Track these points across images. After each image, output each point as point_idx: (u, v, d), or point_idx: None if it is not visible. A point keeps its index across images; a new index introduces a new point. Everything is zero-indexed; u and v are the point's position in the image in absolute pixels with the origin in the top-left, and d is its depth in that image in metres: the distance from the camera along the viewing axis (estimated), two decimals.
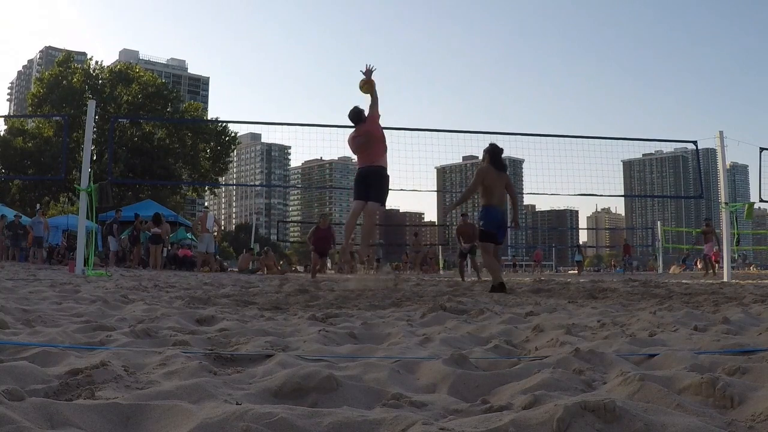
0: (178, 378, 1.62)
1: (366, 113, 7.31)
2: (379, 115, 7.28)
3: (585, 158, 11.79)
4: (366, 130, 7.26)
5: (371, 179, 7.22)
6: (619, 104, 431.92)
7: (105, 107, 38.12)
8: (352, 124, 7.45)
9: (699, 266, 18.85)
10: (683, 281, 10.27)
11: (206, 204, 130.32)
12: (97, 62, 43.89)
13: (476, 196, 7.33)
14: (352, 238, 8.29)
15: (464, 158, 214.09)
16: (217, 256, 21.02)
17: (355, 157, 7.65)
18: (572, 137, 12.24)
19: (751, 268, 27.25)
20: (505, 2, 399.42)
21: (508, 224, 7.02)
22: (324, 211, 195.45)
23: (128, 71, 43.19)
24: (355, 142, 7.33)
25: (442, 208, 8.63)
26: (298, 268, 36.68)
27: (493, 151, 6.82)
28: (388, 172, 7.38)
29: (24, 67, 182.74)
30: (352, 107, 7.42)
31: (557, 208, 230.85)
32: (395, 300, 4.84)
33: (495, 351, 2.14)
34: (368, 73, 7.14)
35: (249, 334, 2.57)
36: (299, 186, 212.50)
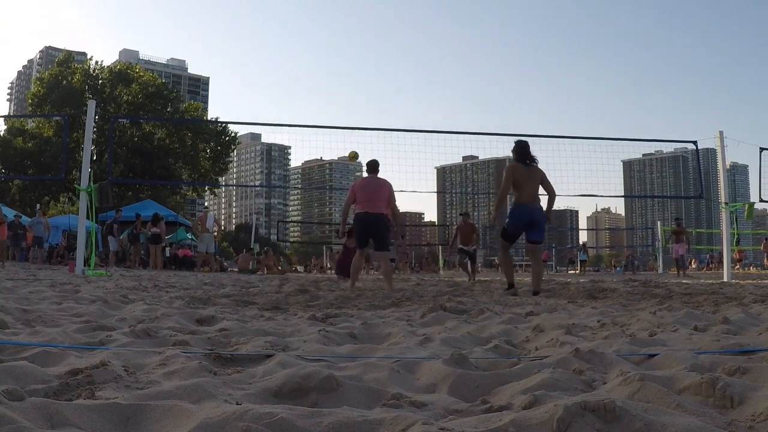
0: (178, 378, 1.62)
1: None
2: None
3: (585, 158, 11.80)
4: (383, 182, 7.46)
5: (376, 225, 7.28)
6: (619, 104, 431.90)
7: (105, 107, 38.15)
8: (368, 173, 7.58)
9: (693, 266, 18.95)
10: (683, 281, 10.28)
11: (206, 204, 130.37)
12: (97, 62, 43.92)
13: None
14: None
15: (464, 158, 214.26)
16: (217, 256, 21.03)
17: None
18: (572, 137, 12.29)
19: (752, 268, 27.25)
20: (505, 2, 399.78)
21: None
22: (324, 210, 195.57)
23: (128, 71, 43.20)
24: (369, 187, 7.39)
25: (493, 217, 7.84)
26: (298, 268, 36.72)
27: (519, 147, 6.50)
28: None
29: (24, 67, 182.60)
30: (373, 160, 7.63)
31: (557, 208, 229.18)
32: (395, 300, 4.84)
33: (495, 351, 2.14)
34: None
35: (249, 334, 2.57)
36: (299, 187, 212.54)
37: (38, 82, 42.74)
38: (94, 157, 35.02)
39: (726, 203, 11.15)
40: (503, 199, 6.39)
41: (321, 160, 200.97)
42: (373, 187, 7.38)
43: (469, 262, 12.71)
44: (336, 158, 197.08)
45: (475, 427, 1.13)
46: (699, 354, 1.94)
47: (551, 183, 6.43)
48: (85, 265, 9.56)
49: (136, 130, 40.69)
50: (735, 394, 1.32)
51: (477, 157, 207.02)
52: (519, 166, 6.35)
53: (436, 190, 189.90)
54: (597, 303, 4.65)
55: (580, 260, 28.18)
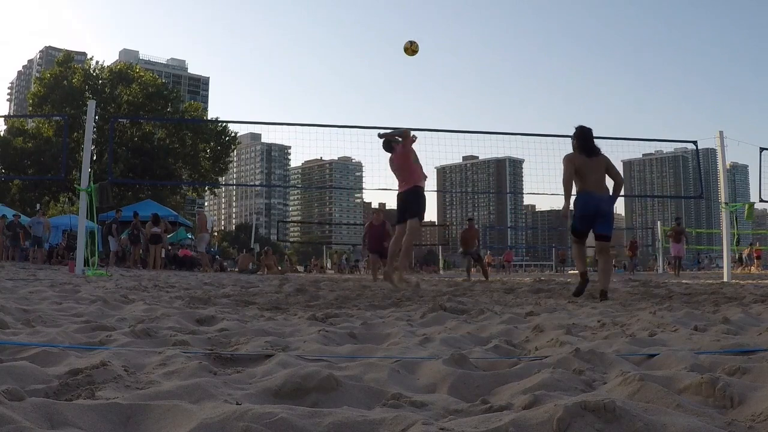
0: (178, 378, 1.62)
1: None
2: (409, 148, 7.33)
3: None
4: (398, 156, 7.38)
5: (409, 199, 7.29)
6: (619, 104, 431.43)
7: (105, 107, 38.14)
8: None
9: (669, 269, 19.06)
10: (683, 281, 10.27)
11: (206, 204, 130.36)
12: (97, 62, 43.89)
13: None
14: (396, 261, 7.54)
15: (464, 158, 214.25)
16: (217, 256, 21.05)
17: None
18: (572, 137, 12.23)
19: (752, 268, 27.25)
20: (507, 3, 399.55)
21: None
22: (327, 210, 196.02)
23: (128, 71, 43.17)
24: (392, 167, 7.48)
25: (564, 208, 7.70)
26: (298, 268, 36.74)
27: (579, 135, 5.74)
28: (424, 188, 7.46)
29: (24, 67, 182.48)
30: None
31: (557, 208, 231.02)
32: (395, 300, 4.84)
33: (495, 351, 2.14)
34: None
35: (249, 334, 2.57)
36: (299, 186, 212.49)
37: (38, 82, 42.68)
38: (94, 157, 35.00)
39: (726, 203, 11.14)
40: (568, 188, 5.61)
41: (321, 160, 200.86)
42: (395, 166, 7.40)
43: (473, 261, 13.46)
44: (336, 158, 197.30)
45: (475, 427, 1.13)
46: (699, 354, 1.94)
47: (617, 170, 5.77)
48: (85, 265, 9.55)
49: (136, 130, 40.65)
50: (735, 394, 1.32)
51: (477, 157, 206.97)
52: (578, 156, 5.65)
53: (436, 190, 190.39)
54: (597, 303, 4.65)
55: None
